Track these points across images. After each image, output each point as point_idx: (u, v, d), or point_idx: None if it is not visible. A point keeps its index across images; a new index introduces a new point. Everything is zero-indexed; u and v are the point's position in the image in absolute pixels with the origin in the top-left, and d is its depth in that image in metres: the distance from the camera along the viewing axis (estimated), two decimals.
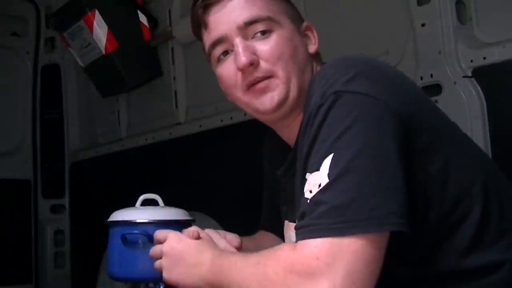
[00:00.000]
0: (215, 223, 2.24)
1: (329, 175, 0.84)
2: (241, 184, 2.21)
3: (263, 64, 1.02)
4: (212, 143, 2.40)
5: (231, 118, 2.26)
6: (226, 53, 1.06)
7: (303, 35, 1.10)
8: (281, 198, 1.21)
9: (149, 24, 2.71)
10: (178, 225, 1.26)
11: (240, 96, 1.06)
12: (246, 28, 1.03)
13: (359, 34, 1.84)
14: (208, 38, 1.07)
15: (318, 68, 1.09)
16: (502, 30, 1.51)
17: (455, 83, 1.57)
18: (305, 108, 0.97)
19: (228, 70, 1.05)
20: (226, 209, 2.23)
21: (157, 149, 2.70)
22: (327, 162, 0.85)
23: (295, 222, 1.07)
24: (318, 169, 0.86)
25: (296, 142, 1.04)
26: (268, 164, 1.33)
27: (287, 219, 1.17)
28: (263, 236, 1.35)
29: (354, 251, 0.81)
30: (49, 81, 3.21)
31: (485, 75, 1.54)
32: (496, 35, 1.52)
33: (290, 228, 1.14)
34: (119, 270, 1.21)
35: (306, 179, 0.88)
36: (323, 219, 0.83)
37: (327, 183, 0.84)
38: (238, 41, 1.03)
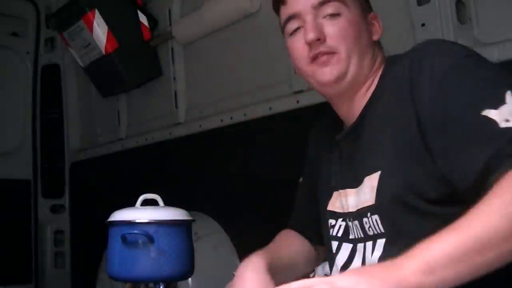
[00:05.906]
0: (215, 223, 2.24)
1: None
2: (241, 184, 2.21)
3: (328, 41, 1.13)
4: (212, 143, 2.40)
5: (231, 118, 2.26)
6: (298, 29, 1.16)
7: (369, 24, 1.19)
8: (327, 173, 1.26)
9: (149, 24, 2.72)
10: (178, 225, 1.26)
11: (305, 67, 1.17)
12: (319, 7, 1.14)
13: None
14: (284, 13, 1.18)
15: (380, 54, 1.19)
16: (502, 30, 1.51)
17: None
18: (395, 66, 1.08)
19: (297, 43, 1.16)
20: (226, 209, 2.23)
21: (157, 149, 2.70)
22: (510, 95, 0.91)
23: (352, 188, 1.13)
24: (503, 102, 0.90)
25: (366, 108, 1.14)
26: (314, 146, 1.38)
27: (336, 190, 1.21)
28: (286, 240, 1.34)
29: None
30: (49, 81, 3.22)
31: None
32: (496, 35, 1.52)
33: (342, 196, 1.17)
34: (119, 270, 1.21)
35: (483, 116, 0.90)
36: None
37: None
38: (309, 19, 1.14)
